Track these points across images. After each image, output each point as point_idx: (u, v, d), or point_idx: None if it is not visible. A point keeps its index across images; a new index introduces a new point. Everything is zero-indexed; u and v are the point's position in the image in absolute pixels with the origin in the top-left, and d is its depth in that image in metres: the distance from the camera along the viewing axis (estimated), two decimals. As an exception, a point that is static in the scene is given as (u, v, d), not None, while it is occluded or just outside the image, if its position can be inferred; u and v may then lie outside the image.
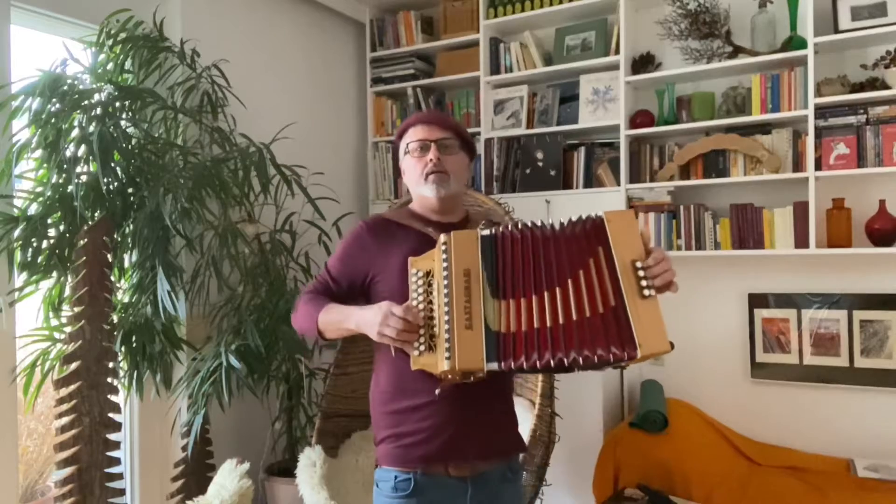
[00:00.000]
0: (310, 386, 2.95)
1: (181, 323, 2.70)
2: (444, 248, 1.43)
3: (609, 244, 1.38)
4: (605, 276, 1.37)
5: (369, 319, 1.46)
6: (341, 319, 1.55)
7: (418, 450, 1.54)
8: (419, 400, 1.54)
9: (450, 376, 1.39)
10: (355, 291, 1.66)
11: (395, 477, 1.55)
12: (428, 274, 1.46)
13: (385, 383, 1.61)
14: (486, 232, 1.46)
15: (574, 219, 1.45)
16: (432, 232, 1.61)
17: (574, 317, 1.36)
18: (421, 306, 1.44)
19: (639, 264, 1.36)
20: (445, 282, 1.40)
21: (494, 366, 1.36)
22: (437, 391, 1.46)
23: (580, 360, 1.33)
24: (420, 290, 1.46)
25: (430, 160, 1.63)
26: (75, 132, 2.35)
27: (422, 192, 1.66)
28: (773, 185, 2.98)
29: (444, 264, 1.41)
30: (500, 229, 1.47)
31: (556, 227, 1.45)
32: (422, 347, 1.42)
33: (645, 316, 1.32)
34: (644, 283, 1.34)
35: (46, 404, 2.60)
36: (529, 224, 1.47)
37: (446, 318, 1.38)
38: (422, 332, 1.43)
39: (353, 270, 1.65)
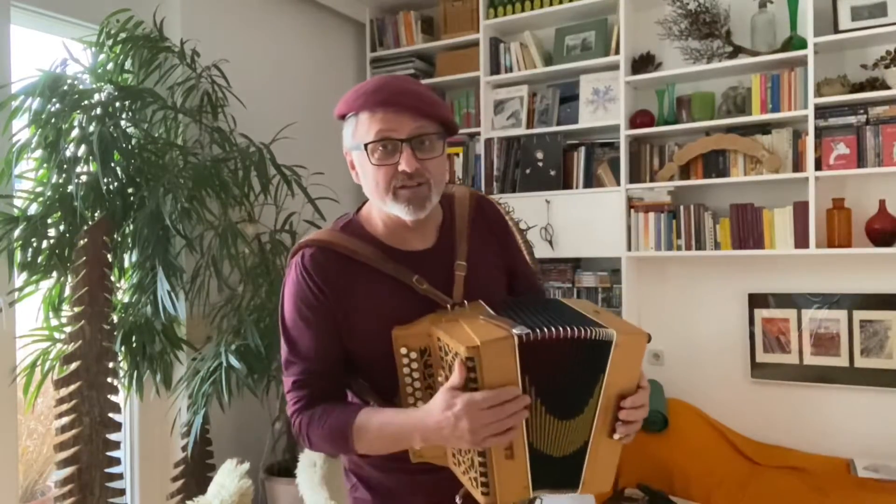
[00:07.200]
0: (310, 386, 2.95)
1: (181, 323, 2.70)
2: (470, 364, 1.05)
3: (605, 373, 1.11)
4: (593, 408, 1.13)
5: (447, 429, 1.05)
6: (394, 443, 1.14)
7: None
8: (412, 467, 1.19)
9: None
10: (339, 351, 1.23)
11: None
12: (424, 352, 1.14)
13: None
14: (522, 335, 1.05)
15: (585, 332, 1.08)
16: (405, 274, 1.19)
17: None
18: (419, 394, 1.14)
19: (625, 403, 1.11)
20: None
21: (545, 493, 1.14)
22: (458, 500, 1.18)
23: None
24: (416, 376, 1.14)
25: (403, 172, 1.13)
26: (75, 132, 2.35)
27: (388, 210, 1.18)
28: (773, 185, 2.98)
29: (473, 386, 1.07)
30: (538, 335, 1.06)
31: (570, 332, 1.08)
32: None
33: (602, 457, 1.15)
34: (619, 423, 1.13)
35: (46, 404, 2.60)
36: (554, 329, 1.07)
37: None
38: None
39: (323, 335, 1.20)
